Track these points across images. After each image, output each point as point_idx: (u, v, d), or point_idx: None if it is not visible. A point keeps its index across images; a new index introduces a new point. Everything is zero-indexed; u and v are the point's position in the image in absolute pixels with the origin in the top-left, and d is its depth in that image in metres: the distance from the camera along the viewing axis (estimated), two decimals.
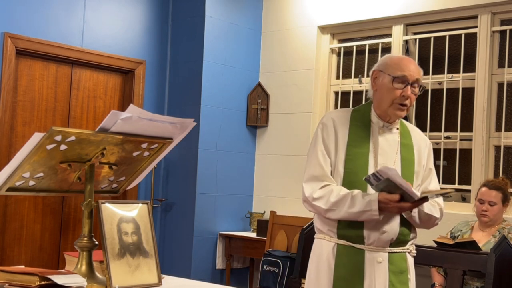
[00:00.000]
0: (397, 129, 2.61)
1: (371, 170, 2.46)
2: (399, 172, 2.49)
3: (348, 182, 2.48)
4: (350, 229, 2.46)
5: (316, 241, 2.60)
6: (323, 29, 5.45)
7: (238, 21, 5.57)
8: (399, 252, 2.51)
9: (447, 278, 4.06)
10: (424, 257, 4.25)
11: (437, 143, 4.85)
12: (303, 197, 2.52)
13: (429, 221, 2.54)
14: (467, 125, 4.71)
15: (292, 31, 5.55)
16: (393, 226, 2.46)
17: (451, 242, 4.05)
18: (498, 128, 4.56)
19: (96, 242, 1.78)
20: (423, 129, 4.95)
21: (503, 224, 4.07)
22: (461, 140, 4.72)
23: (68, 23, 4.86)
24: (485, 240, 4.05)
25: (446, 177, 4.78)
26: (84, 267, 1.74)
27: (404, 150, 2.58)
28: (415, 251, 2.61)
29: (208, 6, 5.31)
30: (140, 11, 5.34)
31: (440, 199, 2.63)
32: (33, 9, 4.64)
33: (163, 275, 1.86)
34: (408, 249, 2.55)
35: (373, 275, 2.44)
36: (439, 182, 4.71)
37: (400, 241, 2.50)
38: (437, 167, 4.84)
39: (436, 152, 4.87)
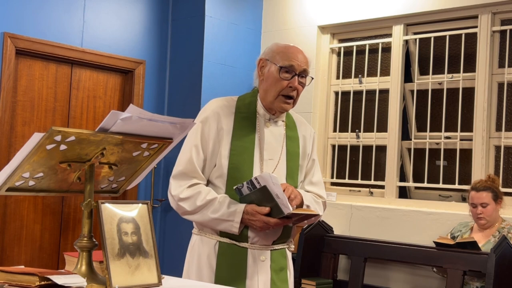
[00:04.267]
0: (283, 121, 2.50)
1: (256, 165, 2.36)
2: (284, 167, 2.42)
3: (232, 178, 2.34)
4: None
5: (195, 238, 2.47)
6: (323, 29, 5.45)
7: (238, 21, 5.57)
8: (280, 249, 2.45)
9: (447, 278, 4.06)
10: (424, 257, 4.25)
11: (437, 143, 4.85)
12: (170, 194, 2.38)
13: (314, 220, 2.51)
14: (467, 125, 4.71)
15: (292, 31, 5.55)
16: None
17: (452, 242, 4.05)
18: (498, 128, 4.56)
19: (96, 242, 1.78)
20: (423, 129, 4.95)
21: (503, 224, 4.07)
22: (461, 140, 4.72)
23: (68, 23, 4.85)
24: (485, 240, 4.05)
25: (446, 177, 4.78)
26: (84, 267, 1.74)
27: (290, 144, 2.48)
28: (293, 245, 2.57)
29: (208, 6, 5.31)
30: (140, 11, 5.34)
31: (323, 192, 2.58)
32: (33, 9, 4.64)
33: (163, 275, 1.86)
34: (287, 245, 2.51)
35: (255, 274, 2.35)
36: (440, 183, 4.77)
37: (282, 238, 2.44)
38: (437, 167, 4.85)
39: (436, 152, 4.87)
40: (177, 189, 2.36)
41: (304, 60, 2.40)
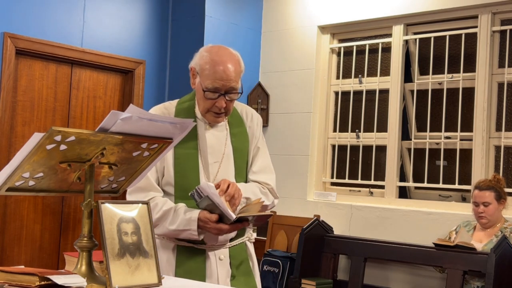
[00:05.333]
0: (225, 120, 2.45)
1: (201, 172, 2.35)
2: (232, 166, 2.39)
3: (180, 186, 2.34)
4: None
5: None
6: (323, 29, 5.45)
7: (238, 21, 5.57)
8: (238, 244, 2.44)
9: (447, 278, 4.06)
10: (424, 257, 4.25)
11: (437, 143, 4.85)
12: None
13: (264, 211, 2.44)
14: (467, 125, 4.71)
15: (292, 31, 5.55)
16: None
17: (451, 244, 4.06)
18: (498, 128, 4.56)
19: (96, 242, 1.78)
20: (423, 129, 4.96)
21: (505, 224, 4.07)
22: (461, 140, 4.72)
23: (68, 23, 4.85)
24: (486, 239, 4.05)
25: (446, 177, 4.78)
26: (84, 267, 1.74)
27: (235, 140, 2.44)
28: (254, 236, 2.55)
29: (208, 6, 5.31)
30: (140, 11, 5.34)
31: (270, 177, 2.48)
32: (33, 9, 4.64)
33: (163, 275, 1.86)
34: (246, 237, 2.48)
35: (215, 273, 2.36)
36: (440, 183, 4.77)
37: (239, 234, 2.43)
38: (437, 167, 4.85)
39: (436, 152, 4.87)
40: None
41: (231, 76, 2.29)
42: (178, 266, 2.35)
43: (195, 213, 2.26)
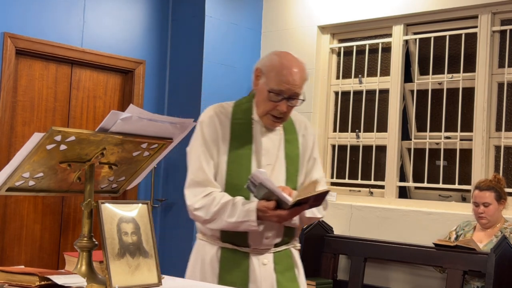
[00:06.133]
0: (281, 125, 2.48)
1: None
2: (284, 171, 2.42)
3: (231, 185, 2.36)
4: (235, 233, 2.34)
5: (198, 242, 2.49)
6: (323, 29, 5.45)
7: (238, 21, 5.56)
8: (284, 249, 2.44)
9: (447, 278, 4.06)
10: (424, 257, 4.25)
11: (437, 143, 4.85)
12: (187, 205, 2.37)
13: (310, 223, 2.45)
14: (467, 125, 4.71)
15: (292, 31, 5.55)
16: (277, 231, 2.39)
17: (452, 244, 4.06)
18: (498, 128, 4.56)
19: (96, 242, 1.78)
20: (423, 129, 4.95)
21: (505, 224, 4.07)
22: (461, 140, 4.72)
23: (68, 23, 4.86)
24: (487, 240, 4.05)
25: (446, 177, 4.78)
26: (84, 267, 1.74)
27: (289, 147, 2.46)
28: (299, 244, 2.56)
29: (208, 6, 5.31)
30: (140, 11, 5.34)
31: (323, 188, 2.48)
32: (33, 9, 4.64)
33: (163, 275, 1.86)
34: (292, 244, 2.49)
35: (259, 278, 2.35)
36: (440, 183, 4.77)
37: (284, 239, 2.43)
38: (437, 167, 4.85)
39: (436, 152, 4.87)
40: (191, 199, 2.34)
41: (297, 82, 2.33)
42: (222, 268, 2.36)
43: (253, 204, 2.25)
